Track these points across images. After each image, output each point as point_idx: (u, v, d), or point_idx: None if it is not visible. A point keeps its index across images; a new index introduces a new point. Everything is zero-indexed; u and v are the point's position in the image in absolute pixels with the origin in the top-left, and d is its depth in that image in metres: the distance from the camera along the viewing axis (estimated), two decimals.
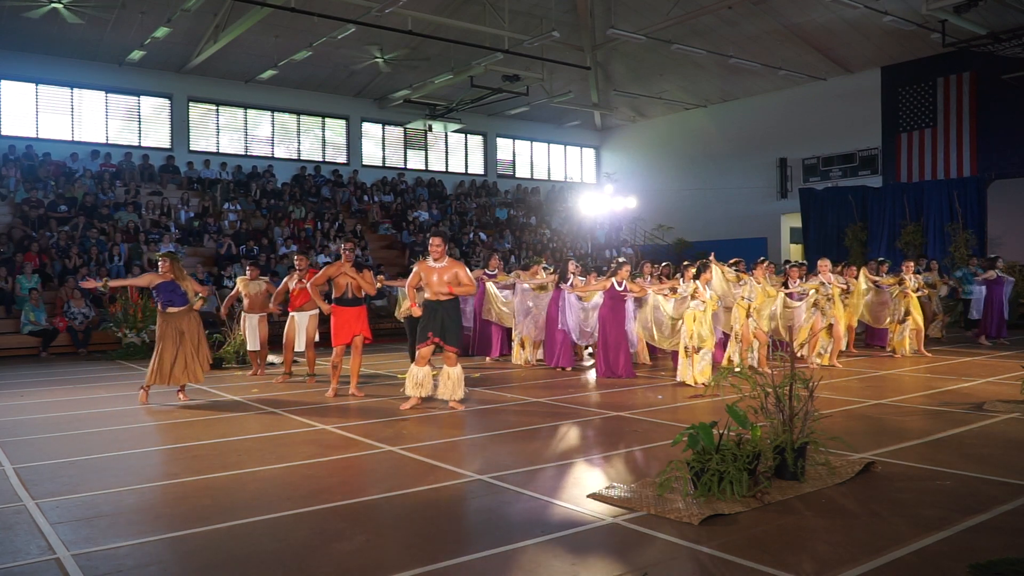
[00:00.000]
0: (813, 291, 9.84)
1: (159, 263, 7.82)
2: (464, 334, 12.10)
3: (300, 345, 9.28)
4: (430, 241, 7.17)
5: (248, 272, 9.88)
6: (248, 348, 9.97)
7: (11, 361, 12.63)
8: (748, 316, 9.08)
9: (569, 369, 9.98)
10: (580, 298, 9.85)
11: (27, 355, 13.29)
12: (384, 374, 10.00)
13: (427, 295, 7.20)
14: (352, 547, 3.52)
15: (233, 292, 10.11)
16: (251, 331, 9.80)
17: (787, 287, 9.93)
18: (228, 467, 5.03)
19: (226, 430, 6.36)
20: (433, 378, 7.32)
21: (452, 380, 7.18)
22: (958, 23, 15.60)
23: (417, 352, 7.25)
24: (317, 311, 9.15)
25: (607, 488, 4.32)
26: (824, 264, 10.24)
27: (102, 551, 3.51)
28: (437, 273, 7.10)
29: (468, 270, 7.26)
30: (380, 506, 4.16)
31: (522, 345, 10.82)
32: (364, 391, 8.20)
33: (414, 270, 7.34)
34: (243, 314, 9.86)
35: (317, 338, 9.45)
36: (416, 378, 7.17)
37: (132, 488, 4.61)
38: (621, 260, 9.40)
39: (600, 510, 3.98)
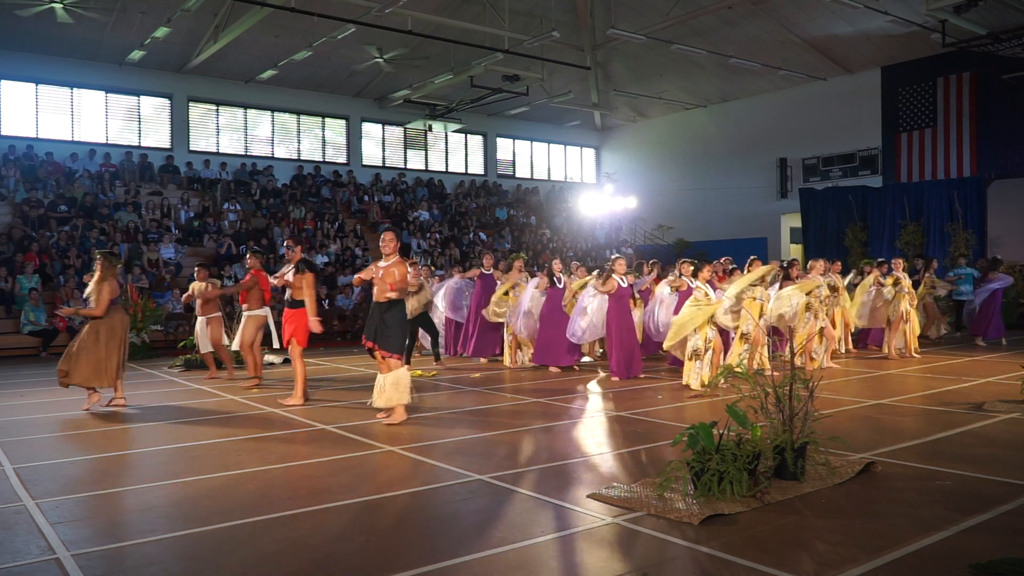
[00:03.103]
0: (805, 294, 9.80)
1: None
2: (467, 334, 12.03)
3: (275, 343, 9.18)
4: (381, 236, 6.72)
5: (196, 273, 9.79)
6: (200, 351, 9.89)
7: (11, 361, 12.64)
8: (760, 316, 9.06)
9: (555, 370, 9.97)
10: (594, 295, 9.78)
11: (27, 355, 13.29)
12: None
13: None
14: (352, 547, 3.52)
15: (188, 292, 10.00)
16: (201, 333, 9.76)
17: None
18: (228, 467, 5.03)
19: (225, 430, 6.36)
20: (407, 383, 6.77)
21: (384, 386, 6.53)
22: (958, 23, 15.60)
23: None
24: (264, 311, 9.00)
25: (607, 488, 4.32)
26: (815, 265, 10.23)
27: (102, 551, 3.51)
28: (383, 271, 6.61)
29: (407, 268, 6.77)
30: (380, 506, 4.16)
31: (518, 347, 10.79)
32: (354, 395, 8.20)
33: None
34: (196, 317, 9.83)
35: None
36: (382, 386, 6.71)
37: (132, 488, 4.61)
38: (615, 256, 9.39)
39: (600, 510, 3.98)
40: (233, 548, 3.54)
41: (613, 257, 9.43)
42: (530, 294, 10.30)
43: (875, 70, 20.01)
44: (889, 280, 11.00)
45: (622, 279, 9.19)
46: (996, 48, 16.52)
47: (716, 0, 15.99)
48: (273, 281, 8.18)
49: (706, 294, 8.27)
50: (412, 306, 10.38)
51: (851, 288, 11.65)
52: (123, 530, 3.86)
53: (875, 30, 17.80)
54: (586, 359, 11.13)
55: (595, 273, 9.72)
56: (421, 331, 11.12)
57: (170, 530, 3.79)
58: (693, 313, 8.17)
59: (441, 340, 11.71)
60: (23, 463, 5.26)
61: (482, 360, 11.33)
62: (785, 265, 10.29)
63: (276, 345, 9.28)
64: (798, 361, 9.47)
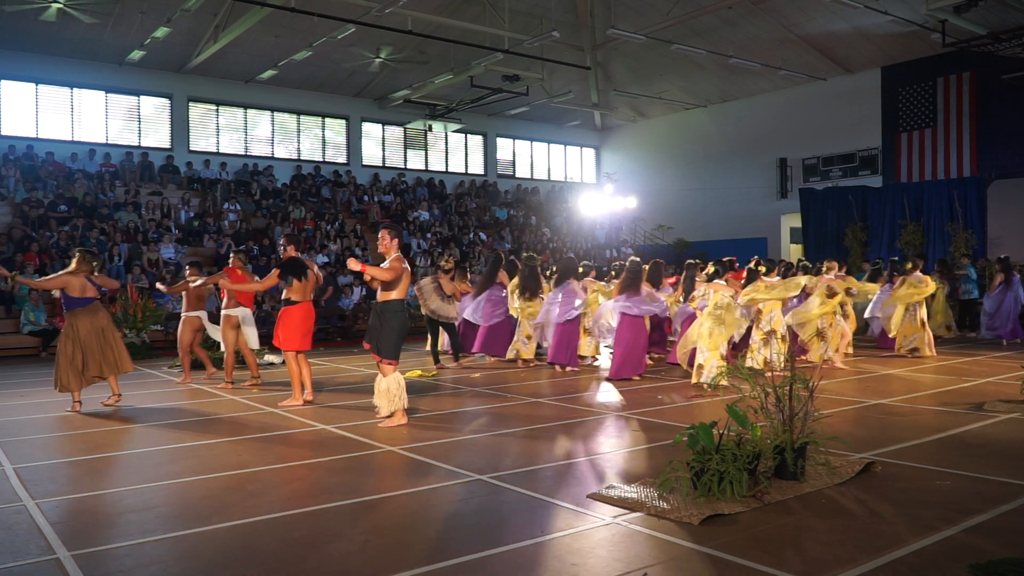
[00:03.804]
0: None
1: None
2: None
3: (255, 343, 9.10)
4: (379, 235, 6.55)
5: (187, 273, 9.63)
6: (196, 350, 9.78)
7: (11, 361, 12.63)
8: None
9: (569, 369, 9.97)
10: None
11: (27, 355, 13.29)
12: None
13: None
14: (352, 547, 3.52)
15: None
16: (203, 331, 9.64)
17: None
18: (228, 467, 5.03)
19: (225, 430, 6.36)
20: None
21: (380, 391, 6.41)
22: (958, 23, 15.60)
23: None
24: (237, 312, 8.91)
25: (607, 488, 4.32)
26: (832, 266, 10.37)
27: (102, 551, 3.51)
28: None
29: (404, 263, 6.37)
30: (380, 506, 4.16)
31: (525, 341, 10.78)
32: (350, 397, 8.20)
33: None
34: None
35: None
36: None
37: (132, 488, 4.61)
38: (636, 259, 9.35)
39: (600, 510, 3.98)
40: (233, 548, 3.54)
41: (634, 259, 9.48)
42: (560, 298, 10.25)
43: (875, 70, 20.01)
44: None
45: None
46: (996, 48, 16.52)
47: (716, 0, 15.99)
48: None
49: (733, 294, 8.39)
50: (447, 310, 10.39)
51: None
52: (123, 530, 3.86)
53: (875, 30, 17.80)
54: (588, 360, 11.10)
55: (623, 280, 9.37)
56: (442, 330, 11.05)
57: (170, 530, 3.79)
58: (728, 316, 8.28)
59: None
60: (23, 463, 5.26)
61: (489, 359, 11.33)
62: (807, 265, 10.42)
63: (255, 345, 9.16)
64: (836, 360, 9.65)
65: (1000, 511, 3.86)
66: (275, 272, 7.48)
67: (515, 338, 10.84)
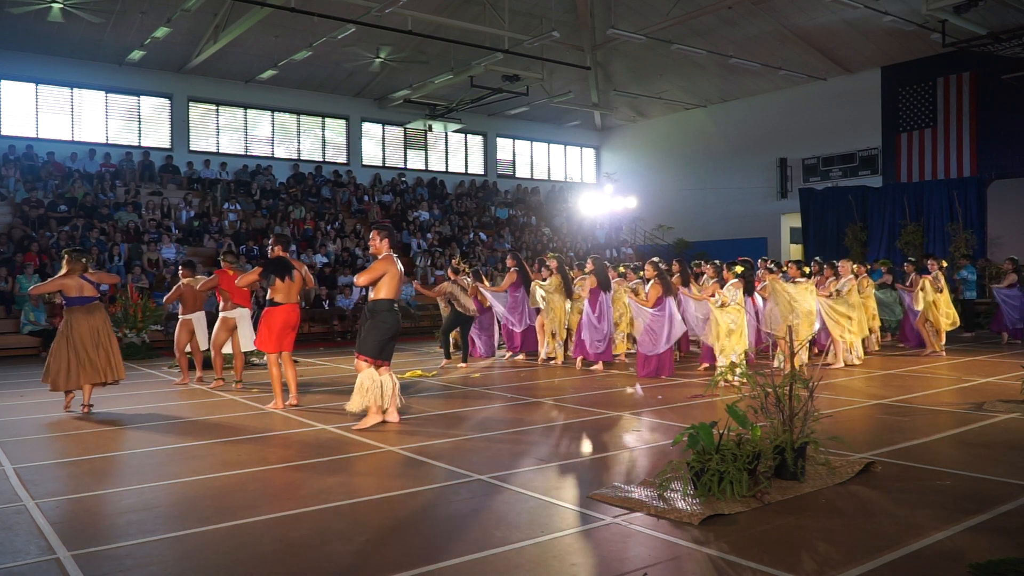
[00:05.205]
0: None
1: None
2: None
3: (248, 344, 8.94)
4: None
5: (181, 273, 9.52)
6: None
7: (11, 361, 12.63)
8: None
9: (579, 366, 10.09)
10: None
11: (27, 355, 13.29)
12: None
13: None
14: (352, 547, 3.52)
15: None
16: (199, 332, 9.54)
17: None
18: (228, 467, 5.03)
19: (225, 430, 6.36)
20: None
21: (356, 386, 6.36)
22: (958, 23, 15.60)
23: None
24: (234, 313, 8.84)
25: (607, 488, 4.32)
26: (845, 265, 10.51)
27: (102, 551, 3.51)
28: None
29: (391, 264, 6.36)
30: (380, 506, 4.16)
31: (553, 336, 10.88)
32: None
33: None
34: None
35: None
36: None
37: (132, 488, 4.61)
38: (655, 260, 9.53)
39: (600, 510, 3.98)
40: (233, 548, 3.54)
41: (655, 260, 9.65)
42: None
43: (875, 70, 20.01)
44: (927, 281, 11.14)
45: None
46: (996, 48, 16.52)
47: (716, 0, 15.99)
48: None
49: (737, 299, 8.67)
50: (470, 304, 10.51)
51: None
52: (123, 530, 3.86)
53: (875, 30, 17.80)
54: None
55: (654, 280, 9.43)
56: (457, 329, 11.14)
57: (170, 530, 3.79)
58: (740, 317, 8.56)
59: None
60: (23, 463, 5.26)
61: (507, 355, 11.53)
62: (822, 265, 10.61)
63: (248, 347, 9.05)
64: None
65: (1000, 511, 3.86)
66: (257, 270, 7.43)
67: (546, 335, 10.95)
